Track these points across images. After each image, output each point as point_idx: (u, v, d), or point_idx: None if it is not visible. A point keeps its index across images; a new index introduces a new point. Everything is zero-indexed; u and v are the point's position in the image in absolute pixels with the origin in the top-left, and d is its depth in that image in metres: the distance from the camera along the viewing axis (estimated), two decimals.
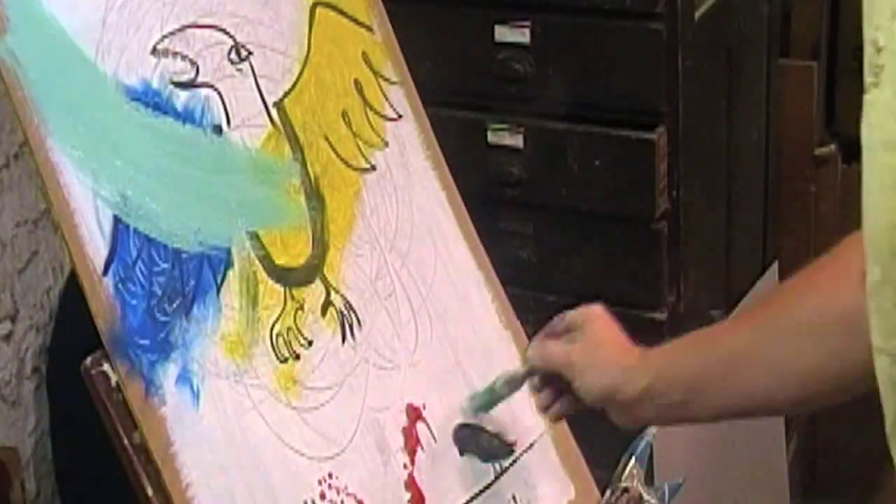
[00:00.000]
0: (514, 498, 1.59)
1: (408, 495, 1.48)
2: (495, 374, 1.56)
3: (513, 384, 1.51)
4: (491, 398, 1.54)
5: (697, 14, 1.99)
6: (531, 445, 1.62)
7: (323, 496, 1.40)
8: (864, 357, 0.93)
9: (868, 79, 0.80)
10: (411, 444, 1.50)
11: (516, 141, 2.05)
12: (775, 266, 2.39)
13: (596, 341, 1.42)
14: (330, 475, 1.41)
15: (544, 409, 1.48)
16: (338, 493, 1.41)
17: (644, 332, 2.04)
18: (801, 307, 1.21)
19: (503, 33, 2.04)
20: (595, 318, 1.44)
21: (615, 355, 1.40)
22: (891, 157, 0.76)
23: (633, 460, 1.69)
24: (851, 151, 2.51)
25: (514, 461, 1.60)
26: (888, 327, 0.83)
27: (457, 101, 2.06)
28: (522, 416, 1.62)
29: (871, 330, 0.87)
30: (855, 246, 1.00)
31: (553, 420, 1.53)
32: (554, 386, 1.45)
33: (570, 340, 1.43)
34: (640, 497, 1.67)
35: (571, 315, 1.45)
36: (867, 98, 0.79)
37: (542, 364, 1.45)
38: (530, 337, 1.68)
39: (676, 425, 1.65)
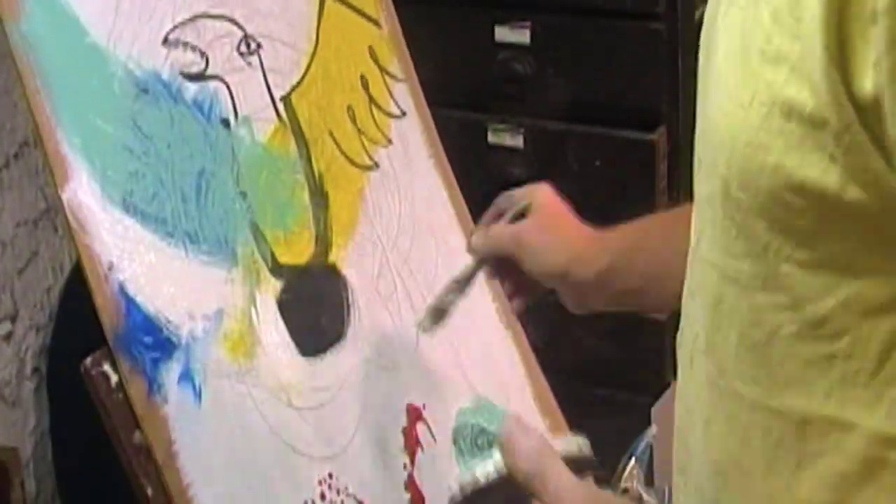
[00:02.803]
0: None
1: (408, 496, 1.48)
2: (493, 377, 1.56)
3: (463, 283, 1.41)
4: (443, 307, 1.43)
5: (697, 14, 1.99)
6: None
7: (323, 496, 1.39)
8: None
9: None
10: (411, 444, 1.50)
11: (516, 141, 2.05)
12: None
13: (548, 219, 1.33)
14: (330, 475, 1.41)
15: (509, 299, 1.40)
16: (338, 493, 1.41)
17: (644, 333, 2.05)
18: None
19: (503, 33, 2.04)
20: (545, 197, 1.35)
21: (569, 234, 1.32)
22: None
23: (633, 460, 1.70)
24: None
25: None
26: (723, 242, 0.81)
27: (457, 101, 2.06)
28: (522, 417, 1.62)
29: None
30: None
31: (517, 314, 1.44)
32: (508, 276, 1.38)
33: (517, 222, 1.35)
34: (640, 497, 1.67)
35: (518, 193, 1.37)
36: None
37: (489, 248, 1.37)
38: (530, 338, 1.68)
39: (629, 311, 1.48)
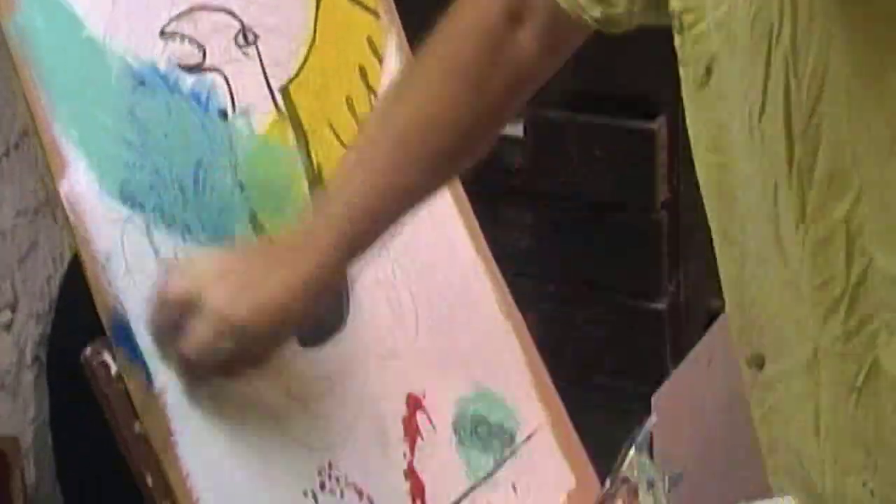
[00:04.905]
0: (514, 487, 1.60)
1: (407, 484, 1.48)
2: (493, 365, 1.56)
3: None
4: None
5: None
6: (531, 435, 1.62)
7: (323, 486, 1.40)
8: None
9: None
10: (411, 433, 1.50)
11: (517, 130, 2.05)
12: None
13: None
14: (330, 465, 1.41)
15: None
16: (338, 482, 1.41)
17: (644, 322, 2.05)
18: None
19: None
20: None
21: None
22: None
23: (633, 450, 1.70)
24: None
25: (515, 451, 1.60)
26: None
27: None
28: (523, 406, 1.62)
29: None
30: None
31: None
32: None
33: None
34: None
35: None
36: None
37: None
38: (530, 327, 1.68)
39: None
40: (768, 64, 0.99)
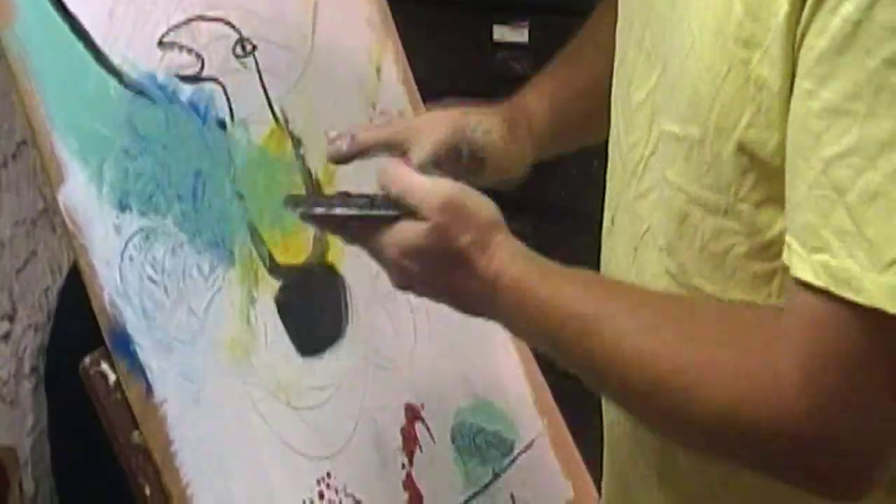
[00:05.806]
0: (512, 498, 1.59)
1: (406, 495, 1.48)
2: (491, 376, 1.56)
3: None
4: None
5: None
6: (529, 445, 1.62)
7: (321, 496, 1.40)
8: None
9: None
10: (409, 444, 1.50)
11: None
12: None
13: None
14: (328, 475, 1.41)
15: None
16: (336, 492, 1.41)
17: None
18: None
19: (502, 33, 2.04)
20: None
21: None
22: None
23: None
24: None
25: (513, 461, 1.60)
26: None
27: (455, 100, 2.05)
28: (521, 416, 1.62)
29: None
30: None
31: None
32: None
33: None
34: None
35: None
36: None
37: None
38: None
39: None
40: None
